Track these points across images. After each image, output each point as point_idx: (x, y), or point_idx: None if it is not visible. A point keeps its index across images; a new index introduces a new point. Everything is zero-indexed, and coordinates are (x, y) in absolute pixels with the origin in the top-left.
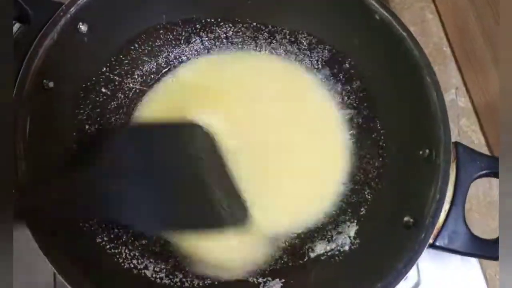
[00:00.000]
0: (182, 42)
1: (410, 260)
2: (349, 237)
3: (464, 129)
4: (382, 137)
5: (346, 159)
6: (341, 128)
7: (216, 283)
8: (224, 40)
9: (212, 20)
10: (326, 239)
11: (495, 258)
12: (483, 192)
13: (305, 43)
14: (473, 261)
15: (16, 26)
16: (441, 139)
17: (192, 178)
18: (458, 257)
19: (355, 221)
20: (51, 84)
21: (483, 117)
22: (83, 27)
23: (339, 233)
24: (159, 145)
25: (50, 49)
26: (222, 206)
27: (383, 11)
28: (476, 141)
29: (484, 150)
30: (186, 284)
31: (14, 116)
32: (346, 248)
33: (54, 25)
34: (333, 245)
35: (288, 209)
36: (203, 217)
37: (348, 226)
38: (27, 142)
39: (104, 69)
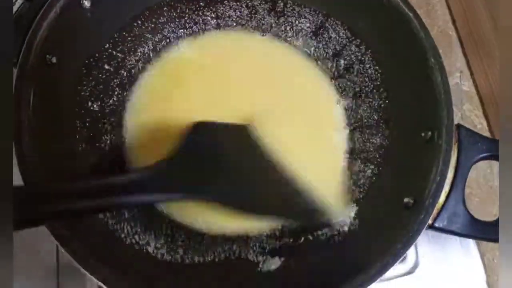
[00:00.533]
0: (185, 19)
1: (409, 240)
2: (349, 217)
3: (467, 113)
4: (385, 119)
5: (346, 142)
6: (341, 111)
7: (216, 260)
8: (228, 19)
9: None
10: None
11: (494, 240)
12: (484, 176)
13: (309, 24)
14: (471, 245)
15: (19, 2)
16: (444, 121)
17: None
18: (457, 241)
19: (355, 202)
20: (54, 60)
21: (487, 102)
22: (86, 2)
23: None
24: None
25: (53, 23)
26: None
27: None
28: (479, 125)
29: (487, 135)
30: (187, 261)
31: (17, 90)
32: (346, 228)
33: None
34: (334, 226)
35: None
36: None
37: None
38: (31, 116)
39: (107, 45)
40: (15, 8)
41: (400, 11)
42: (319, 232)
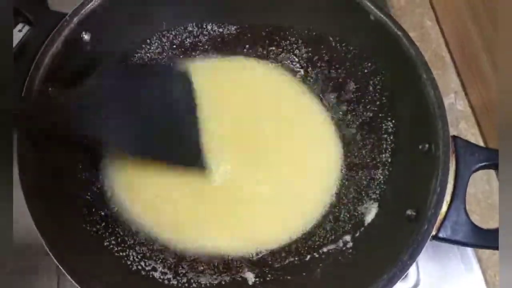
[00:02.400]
0: (182, 48)
1: (414, 251)
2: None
3: (464, 132)
4: (383, 135)
5: (342, 158)
6: (337, 128)
7: (223, 282)
8: (221, 45)
9: (209, 26)
10: (331, 237)
11: (498, 247)
12: (482, 193)
13: (301, 49)
14: (473, 261)
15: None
16: (440, 133)
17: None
18: (458, 256)
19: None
20: (56, 92)
21: (482, 120)
22: (86, 36)
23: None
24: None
25: (55, 57)
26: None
27: (377, 11)
28: (476, 143)
29: None
30: (194, 285)
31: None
32: (351, 244)
33: (59, 34)
34: (338, 242)
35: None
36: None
37: None
38: (35, 145)
39: None
40: (20, 35)
41: (389, 30)
42: (325, 249)
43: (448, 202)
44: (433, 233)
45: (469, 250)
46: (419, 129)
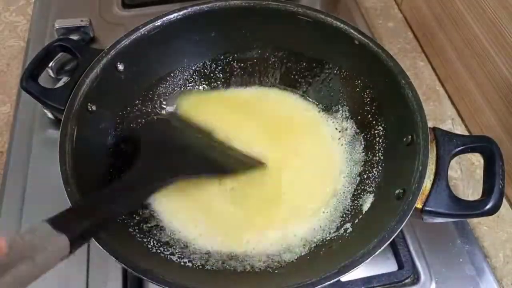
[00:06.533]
0: (202, 80)
1: (400, 219)
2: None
3: (463, 155)
4: (376, 138)
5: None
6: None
7: (233, 269)
8: (234, 76)
9: (224, 60)
10: (334, 228)
11: (479, 215)
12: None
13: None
14: (486, 269)
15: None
16: (419, 124)
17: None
18: (472, 266)
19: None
20: (94, 108)
21: None
22: (120, 66)
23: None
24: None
25: (94, 80)
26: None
27: (360, 36)
28: (477, 162)
29: None
30: (207, 267)
31: (64, 127)
32: (350, 230)
33: (98, 63)
34: (340, 230)
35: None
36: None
37: None
38: (74, 149)
39: (137, 101)
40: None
41: (371, 49)
42: (327, 237)
43: (432, 180)
44: (419, 206)
45: (482, 258)
46: (403, 126)
